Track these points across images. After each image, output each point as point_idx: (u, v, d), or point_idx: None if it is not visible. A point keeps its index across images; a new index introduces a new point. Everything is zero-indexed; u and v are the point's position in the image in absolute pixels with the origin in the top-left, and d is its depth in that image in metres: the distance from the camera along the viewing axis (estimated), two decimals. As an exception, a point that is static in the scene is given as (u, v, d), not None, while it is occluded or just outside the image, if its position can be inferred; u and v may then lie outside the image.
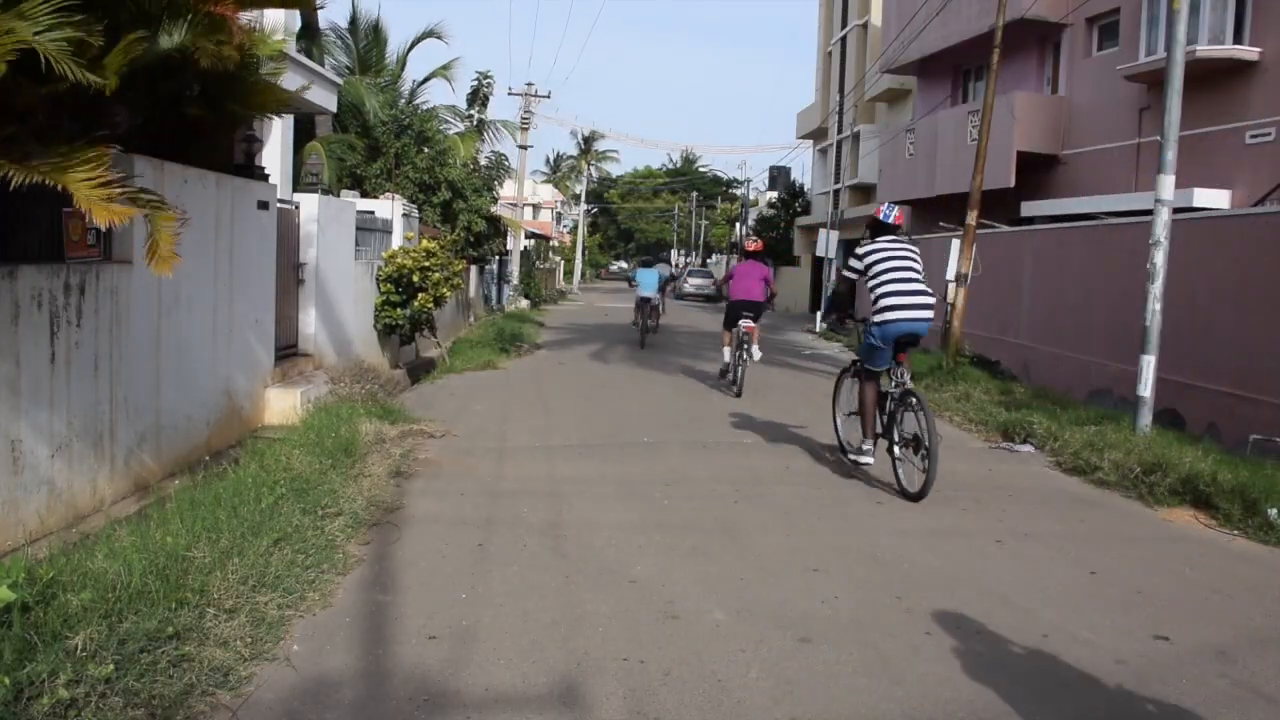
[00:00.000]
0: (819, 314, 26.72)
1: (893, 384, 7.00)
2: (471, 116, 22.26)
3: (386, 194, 14.60)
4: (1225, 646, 4.19)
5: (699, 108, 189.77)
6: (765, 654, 3.91)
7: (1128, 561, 5.46)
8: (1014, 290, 14.84)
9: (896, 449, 6.84)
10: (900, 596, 4.67)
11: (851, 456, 7.29)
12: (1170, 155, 8.48)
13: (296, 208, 9.29)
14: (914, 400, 6.72)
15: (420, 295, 11.76)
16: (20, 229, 4.88)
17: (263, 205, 7.75)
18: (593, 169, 60.77)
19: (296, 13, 11.00)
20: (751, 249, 12.87)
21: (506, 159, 23.65)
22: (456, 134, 20.91)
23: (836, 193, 30.92)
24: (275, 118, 8.91)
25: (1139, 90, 16.03)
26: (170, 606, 3.64)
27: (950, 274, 14.59)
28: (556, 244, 54.19)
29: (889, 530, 5.92)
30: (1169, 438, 8.06)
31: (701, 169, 75.25)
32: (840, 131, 32.07)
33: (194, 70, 5.48)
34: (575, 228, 58.10)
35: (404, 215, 13.41)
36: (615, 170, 72.92)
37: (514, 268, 30.18)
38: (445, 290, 12.06)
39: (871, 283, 6.94)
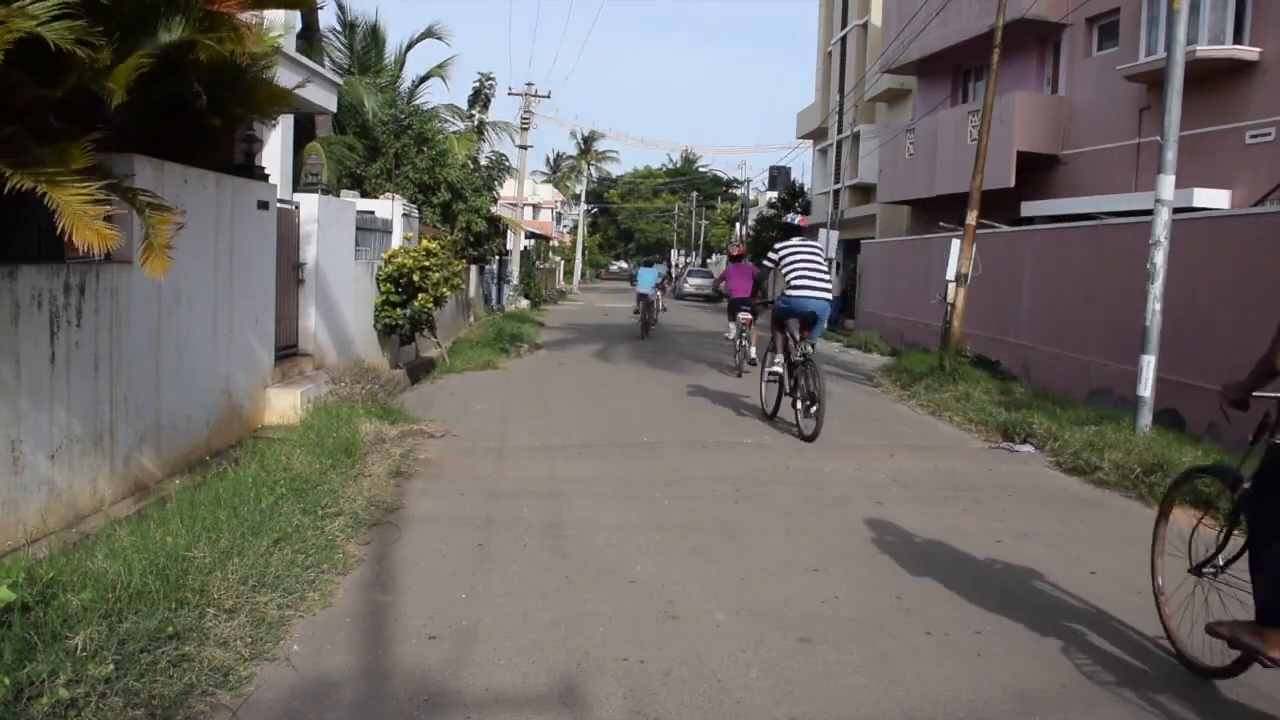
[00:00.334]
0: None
1: (798, 354, 8.91)
2: (473, 117, 22.27)
3: (386, 194, 14.60)
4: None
5: (699, 108, 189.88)
6: (765, 654, 3.91)
7: (1128, 561, 5.45)
8: (1014, 290, 14.84)
9: (799, 403, 8.91)
10: (900, 596, 4.67)
11: (764, 389, 9.91)
12: (1170, 155, 8.49)
13: (296, 208, 9.29)
14: (812, 367, 8.64)
15: (420, 295, 11.77)
16: (20, 228, 4.89)
17: (263, 205, 7.75)
18: (593, 169, 60.78)
19: (297, 12, 11.00)
20: (736, 254, 15.52)
21: (506, 159, 23.67)
22: (454, 133, 20.91)
23: (836, 193, 30.93)
24: (276, 117, 8.90)
25: (1139, 90, 16.03)
26: (170, 606, 3.64)
27: (950, 274, 14.58)
28: (556, 244, 54.20)
29: (889, 530, 5.92)
30: (1169, 438, 8.06)
31: (701, 169, 75.27)
32: (840, 131, 32.07)
33: (195, 69, 5.48)
34: (575, 228, 58.12)
35: (404, 215, 13.42)
36: (615, 170, 73.00)
37: (514, 268, 30.19)
38: (445, 290, 12.06)
39: (785, 271, 8.90)
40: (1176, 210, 9.03)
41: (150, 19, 5.01)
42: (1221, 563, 3.88)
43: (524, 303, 29.15)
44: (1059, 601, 4.72)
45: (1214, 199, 13.56)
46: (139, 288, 5.72)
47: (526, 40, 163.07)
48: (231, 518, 4.65)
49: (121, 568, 3.78)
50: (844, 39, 32.42)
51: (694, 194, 70.71)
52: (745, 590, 4.69)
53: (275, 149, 9.90)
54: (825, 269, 8.95)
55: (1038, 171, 18.45)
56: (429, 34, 20.43)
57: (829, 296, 8.78)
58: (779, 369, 9.36)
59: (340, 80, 13.36)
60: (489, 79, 22.05)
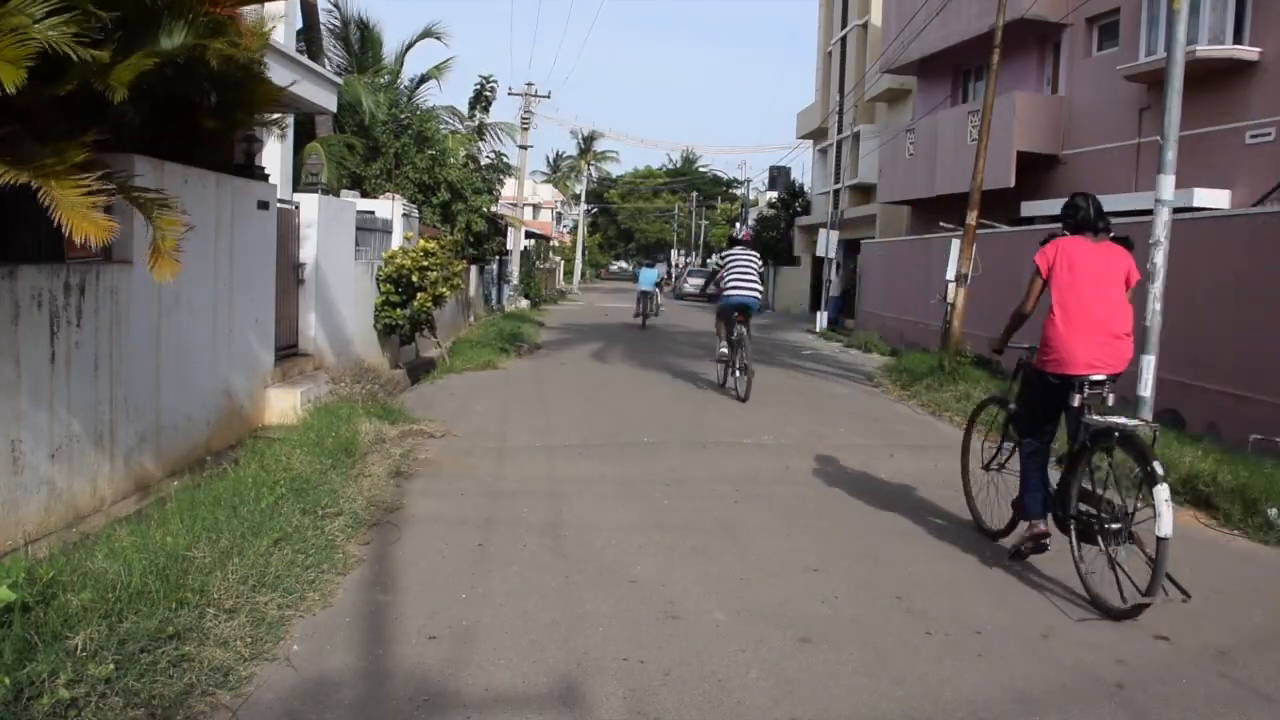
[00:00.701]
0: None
1: (734, 334, 11.52)
2: (474, 118, 22.28)
3: (386, 194, 14.60)
4: (1225, 646, 4.19)
5: (699, 108, 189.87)
6: (765, 654, 3.91)
7: (1127, 561, 5.45)
8: (1014, 290, 14.79)
9: (736, 372, 11.56)
10: (900, 596, 4.67)
11: (718, 368, 12.33)
12: (1170, 155, 8.47)
13: (296, 208, 9.29)
14: (743, 346, 11.40)
15: (420, 295, 11.76)
16: (20, 228, 4.88)
17: (263, 205, 7.75)
18: (592, 169, 60.78)
19: (298, 9, 10.99)
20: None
21: (507, 158, 23.67)
22: (451, 132, 20.92)
23: (836, 193, 30.92)
24: (275, 118, 8.89)
25: (1139, 90, 16.03)
26: (170, 606, 3.64)
27: (950, 274, 14.59)
28: (556, 244, 54.17)
29: (889, 530, 5.92)
30: (1169, 438, 8.05)
31: (701, 169, 75.29)
32: (840, 131, 32.07)
33: (198, 73, 5.47)
34: (575, 228, 58.12)
35: (404, 215, 13.42)
36: (615, 170, 73.01)
37: (514, 268, 30.18)
38: (445, 290, 12.06)
39: (724, 274, 11.62)
40: (1177, 210, 9.02)
41: (153, 22, 5.01)
42: (1003, 461, 5.69)
43: (524, 303, 29.15)
44: (1059, 602, 4.72)
45: (1214, 199, 13.56)
46: (139, 288, 5.72)
47: (526, 40, 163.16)
48: (231, 518, 4.65)
49: (121, 568, 3.78)
50: (844, 39, 32.42)
51: (694, 194, 70.71)
52: (745, 590, 4.69)
53: (275, 149, 9.89)
54: (754, 274, 11.46)
55: (1038, 171, 18.44)
56: (428, 34, 20.44)
57: (756, 294, 11.44)
58: (725, 350, 11.96)
59: (340, 80, 13.36)
60: (490, 81, 22.05)
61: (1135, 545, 4.55)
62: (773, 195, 44.38)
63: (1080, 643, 4.17)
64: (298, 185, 11.49)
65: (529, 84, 33.67)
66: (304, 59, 9.36)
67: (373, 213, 12.45)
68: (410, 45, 20.56)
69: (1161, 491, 4.30)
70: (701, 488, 6.84)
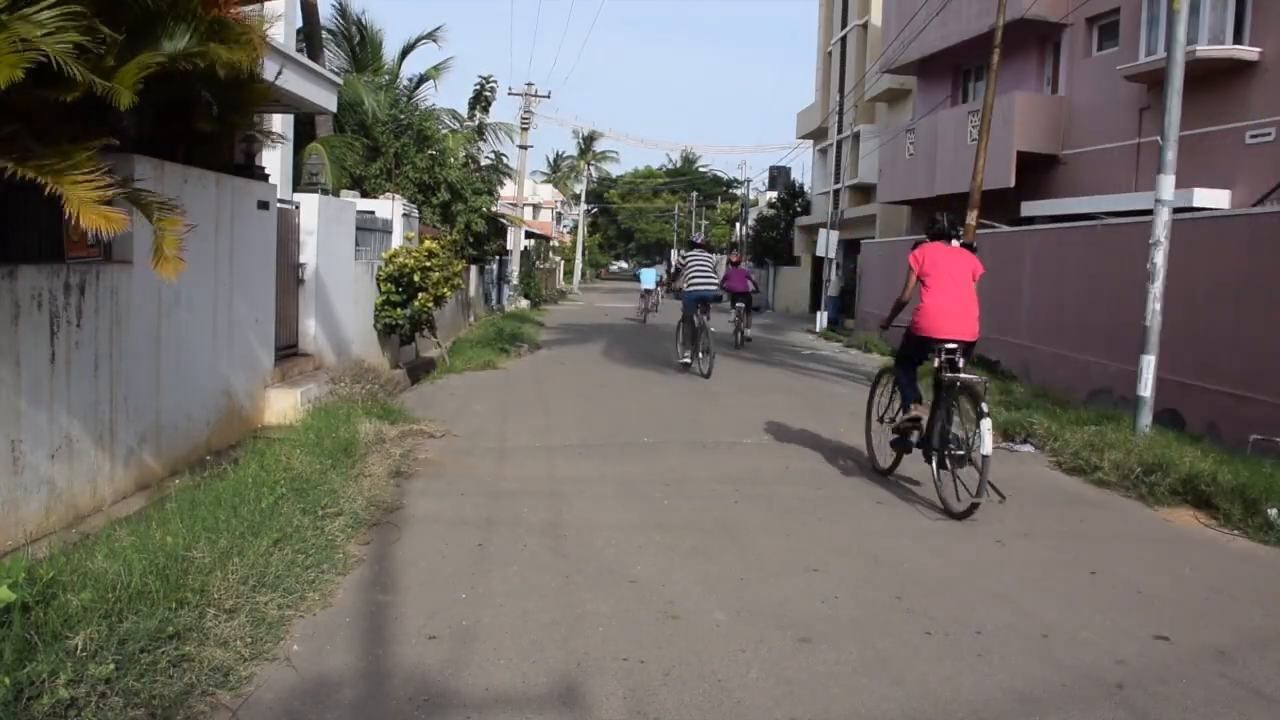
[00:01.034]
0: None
1: (696, 323, 13.36)
2: (474, 118, 22.29)
3: (386, 194, 14.60)
4: (1225, 646, 4.19)
5: (699, 108, 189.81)
6: (765, 654, 3.91)
7: (1128, 561, 5.46)
8: (1014, 290, 14.84)
9: (699, 355, 13.39)
10: (900, 596, 4.67)
11: (680, 362, 13.99)
12: (1170, 155, 8.48)
13: (297, 208, 9.29)
14: (705, 332, 13.17)
15: (420, 295, 11.77)
16: (20, 228, 4.89)
17: (263, 205, 7.76)
18: (592, 169, 60.82)
19: (298, 9, 10.97)
20: (735, 260, 21.79)
21: (507, 158, 23.68)
22: (451, 132, 20.94)
23: (836, 193, 30.90)
24: (275, 118, 8.91)
25: (1139, 90, 16.03)
26: (170, 606, 3.63)
27: (950, 274, 14.56)
28: (556, 244, 54.19)
29: (889, 530, 5.92)
30: (1169, 438, 8.05)
31: (701, 169, 75.32)
32: (840, 131, 32.05)
33: (198, 75, 5.47)
34: (575, 228, 58.14)
35: (404, 215, 13.42)
36: (615, 170, 73.03)
37: (514, 268, 30.18)
38: (445, 290, 12.06)
39: (686, 271, 13.78)
40: (1176, 210, 9.03)
41: (155, 26, 5.00)
42: (893, 415, 7.33)
43: (524, 303, 29.15)
44: (1059, 601, 4.72)
45: (1214, 199, 13.55)
46: (139, 288, 5.72)
47: (526, 40, 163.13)
48: (231, 518, 4.65)
49: (121, 568, 3.78)
50: (844, 39, 32.41)
51: (694, 194, 70.71)
52: (745, 590, 4.69)
53: (275, 149, 9.89)
54: (711, 271, 13.96)
55: (1038, 171, 18.44)
56: (427, 37, 20.48)
57: (713, 288, 13.90)
58: (685, 340, 13.89)
59: (340, 80, 13.36)
60: (489, 81, 22.06)
61: (972, 466, 6.23)
62: (773, 195, 44.39)
63: (1080, 643, 4.17)
64: (298, 185, 11.49)
65: (529, 84, 33.71)
66: (303, 59, 9.35)
67: (373, 213, 12.45)
68: (410, 47, 20.60)
69: (986, 423, 6.08)
70: (701, 487, 6.84)
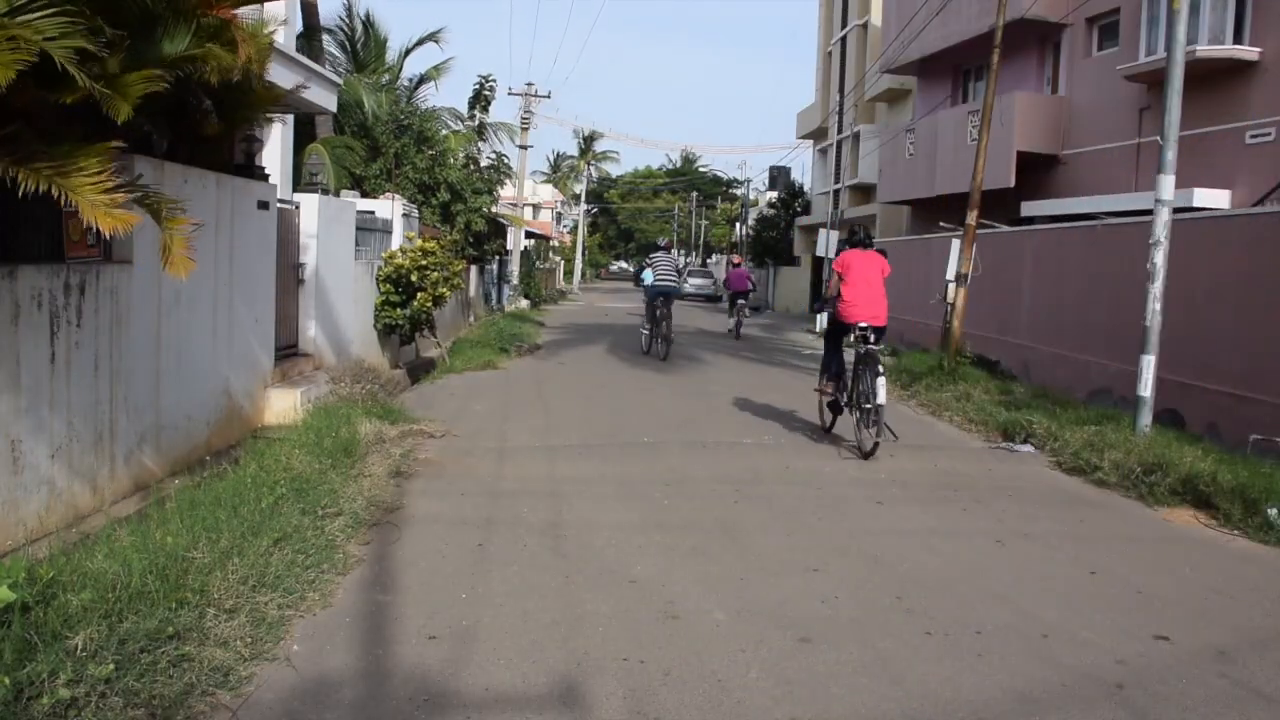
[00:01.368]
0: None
1: (659, 314, 15.60)
2: (474, 118, 22.29)
3: (386, 194, 14.60)
4: (1225, 646, 4.19)
5: (699, 108, 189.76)
6: (765, 654, 3.91)
7: (1128, 561, 5.46)
8: (1014, 290, 14.84)
9: (660, 342, 15.62)
10: (900, 596, 4.68)
11: (644, 341, 16.36)
12: (1170, 155, 8.48)
13: (297, 208, 9.28)
14: (666, 322, 15.56)
15: (420, 295, 11.76)
16: (21, 228, 4.88)
17: (263, 205, 7.75)
18: (593, 169, 60.77)
19: (298, 9, 10.97)
20: (736, 262, 24.19)
21: (507, 158, 23.68)
22: (450, 132, 20.94)
23: (836, 193, 30.87)
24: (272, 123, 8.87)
25: (1139, 90, 16.03)
26: (170, 606, 3.64)
27: (950, 274, 14.58)
28: (556, 244, 54.15)
29: (889, 530, 5.93)
30: (1169, 438, 8.06)
31: (701, 169, 75.23)
32: (840, 131, 32.02)
33: (198, 76, 5.47)
34: (575, 228, 58.11)
35: (404, 215, 13.41)
36: (615, 170, 72.96)
37: (514, 268, 30.15)
38: (445, 290, 12.06)
39: (650, 271, 15.86)
40: (1176, 210, 9.03)
41: (155, 28, 5.00)
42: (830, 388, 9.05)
43: (524, 303, 29.13)
44: (1059, 601, 4.72)
45: (1214, 199, 13.55)
46: (139, 288, 5.72)
47: (526, 40, 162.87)
48: (231, 518, 4.65)
49: (121, 568, 3.78)
50: (844, 39, 32.40)
51: (694, 194, 70.71)
52: (745, 590, 4.69)
53: (275, 149, 9.89)
54: (673, 270, 16.15)
55: (1038, 171, 18.44)
56: (429, 38, 20.48)
57: (675, 284, 16.01)
58: (647, 329, 16.18)
59: (340, 80, 13.36)
60: (489, 81, 22.05)
61: (876, 415, 7.92)
62: (773, 195, 44.37)
63: (1080, 643, 4.17)
64: (298, 185, 11.49)
65: (529, 84, 33.66)
66: (304, 59, 9.36)
67: (373, 213, 12.45)
68: (409, 50, 20.63)
69: (880, 380, 7.91)
70: (701, 487, 6.84)
